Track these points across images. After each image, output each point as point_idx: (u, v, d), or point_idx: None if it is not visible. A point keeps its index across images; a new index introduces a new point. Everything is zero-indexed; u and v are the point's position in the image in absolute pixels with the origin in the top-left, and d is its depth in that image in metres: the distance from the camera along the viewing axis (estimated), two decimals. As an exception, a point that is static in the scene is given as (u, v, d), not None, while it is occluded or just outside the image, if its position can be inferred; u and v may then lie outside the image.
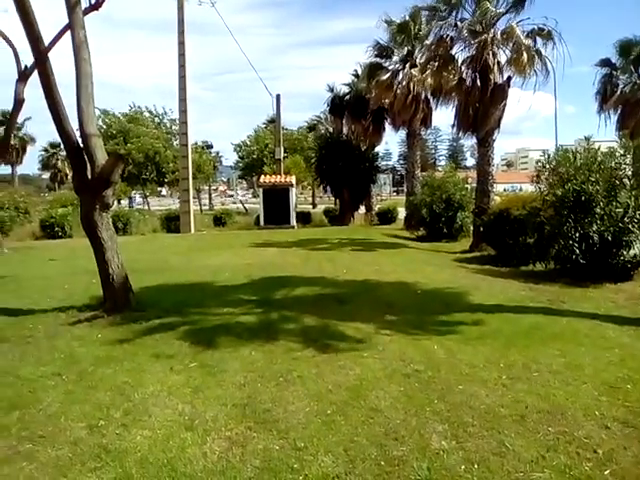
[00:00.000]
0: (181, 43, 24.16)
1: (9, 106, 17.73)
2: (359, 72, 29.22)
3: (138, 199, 55.98)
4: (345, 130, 31.78)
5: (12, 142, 43.88)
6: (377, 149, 31.56)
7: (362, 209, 31.04)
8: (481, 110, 16.52)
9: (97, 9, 11.01)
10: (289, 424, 4.04)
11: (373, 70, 25.06)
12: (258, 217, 27.06)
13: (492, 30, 16.41)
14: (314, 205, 51.83)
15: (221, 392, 4.66)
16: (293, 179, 27.69)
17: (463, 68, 17.14)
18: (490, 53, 16.28)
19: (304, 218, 28.54)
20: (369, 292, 9.07)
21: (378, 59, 25.22)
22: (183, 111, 24.95)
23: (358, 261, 13.17)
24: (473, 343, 6.00)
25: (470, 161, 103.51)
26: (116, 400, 4.51)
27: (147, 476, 3.38)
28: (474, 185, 19.45)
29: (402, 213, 27.26)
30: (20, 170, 62.66)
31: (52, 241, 20.86)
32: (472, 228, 18.14)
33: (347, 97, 30.40)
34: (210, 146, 58.59)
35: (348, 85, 30.81)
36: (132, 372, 5.15)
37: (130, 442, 3.80)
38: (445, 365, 5.27)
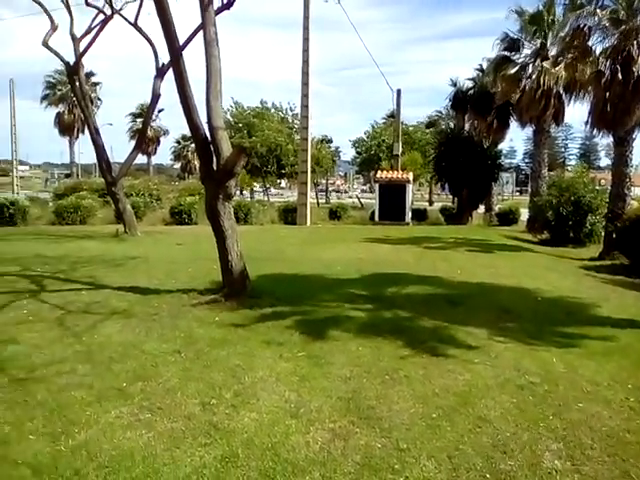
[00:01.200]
0: (305, 39, 24.70)
1: (147, 100, 19.32)
2: (484, 66, 28.12)
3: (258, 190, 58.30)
4: (467, 126, 30.78)
5: (148, 134, 47.58)
6: (500, 146, 30.28)
7: (481, 208, 29.88)
8: (621, 106, 15.13)
9: (228, 8, 11.58)
10: (392, 423, 3.99)
11: (500, 64, 23.99)
12: (373, 212, 27.04)
13: (639, 17, 14.97)
14: (430, 202, 50.77)
15: (327, 384, 4.71)
16: (410, 175, 27.30)
17: (601, 59, 15.81)
18: (634, 43, 14.86)
19: (419, 215, 28.06)
20: (484, 295, 8.70)
21: (506, 52, 24.10)
22: (305, 106, 25.53)
23: (474, 262, 12.70)
24: (597, 359, 5.53)
25: (604, 161, 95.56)
26: (228, 381, 4.73)
27: (252, 458, 3.50)
28: (607, 187, 17.95)
29: (524, 214, 25.85)
30: (155, 160, 68.27)
31: (179, 227, 22.38)
32: (603, 234, 16.76)
33: (470, 92, 29.41)
34: (330, 140, 59.42)
35: (472, 80, 29.81)
36: (244, 356, 5.36)
37: (238, 423, 3.96)
38: (564, 380, 4.91)
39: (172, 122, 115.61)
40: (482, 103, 26.83)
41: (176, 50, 7.99)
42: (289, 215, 26.18)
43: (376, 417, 4.09)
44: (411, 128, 50.21)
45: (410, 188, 26.57)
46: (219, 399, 4.36)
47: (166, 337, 5.94)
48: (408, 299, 8.18)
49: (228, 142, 7.83)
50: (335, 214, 28.11)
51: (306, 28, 24.65)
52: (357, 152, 57.81)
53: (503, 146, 34.25)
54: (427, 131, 46.59)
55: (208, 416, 4.06)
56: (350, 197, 60.92)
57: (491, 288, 9.34)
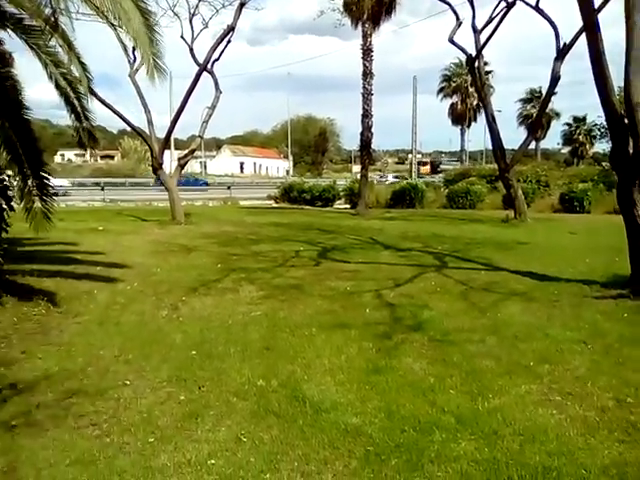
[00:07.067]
0: None
1: (534, 85, 18.63)
2: None
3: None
4: None
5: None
6: None
7: None
8: None
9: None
10: None
11: None
12: None
13: None
14: None
15: None
16: None
17: None
18: None
19: None
20: None
21: None
22: None
23: None
24: None
25: None
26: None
27: None
28: None
29: None
30: (542, 145, 66.20)
31: (569, 215, 21.17)
32: None
33: None
34: None
35: None
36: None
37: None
38: None
39: (562, 104, 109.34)
40: None
41: (592, 24, 7.55)
42: None
43: None
44: None
45: None
46: (636, 399, 4.05)
47: (569, 325, 5.81)
48: None
49: (651, 121, 7.01)
50: None
51: None
52: None
53: None
54: None
55: (624, 414, 3.84)
56: None
57: None
